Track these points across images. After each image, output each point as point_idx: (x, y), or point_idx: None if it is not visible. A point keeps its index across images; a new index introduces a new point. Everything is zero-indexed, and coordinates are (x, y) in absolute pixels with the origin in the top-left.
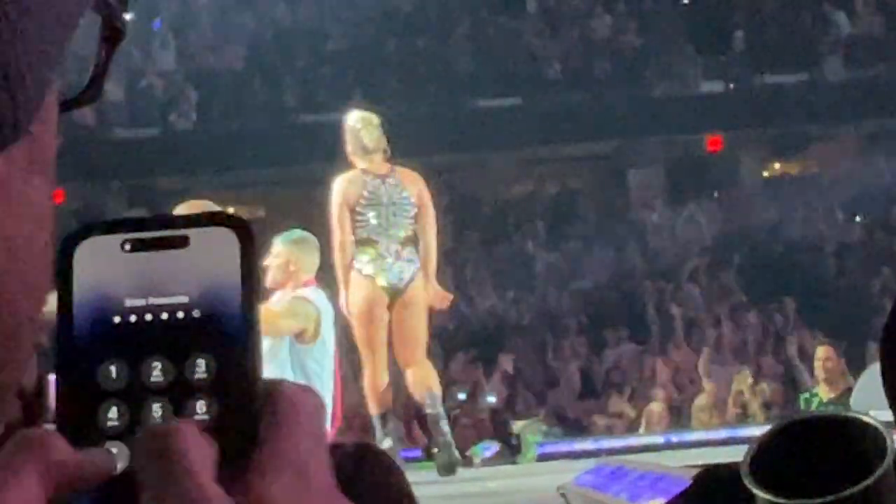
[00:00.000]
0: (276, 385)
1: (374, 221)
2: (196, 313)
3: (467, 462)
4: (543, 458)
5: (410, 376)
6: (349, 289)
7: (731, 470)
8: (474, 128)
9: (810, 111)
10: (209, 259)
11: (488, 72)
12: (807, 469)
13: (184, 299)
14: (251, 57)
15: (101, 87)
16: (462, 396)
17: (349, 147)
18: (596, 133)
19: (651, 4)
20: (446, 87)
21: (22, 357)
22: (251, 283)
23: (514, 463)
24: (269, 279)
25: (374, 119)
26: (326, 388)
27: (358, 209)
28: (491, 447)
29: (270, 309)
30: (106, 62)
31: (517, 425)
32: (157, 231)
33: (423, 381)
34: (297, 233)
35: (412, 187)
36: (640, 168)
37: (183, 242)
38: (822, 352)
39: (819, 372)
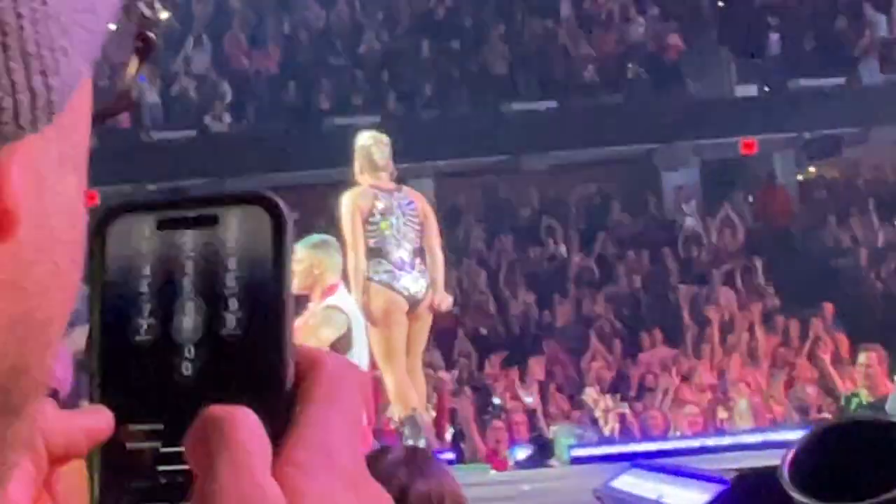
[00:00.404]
0: (318, 359)
1: (387, 232)
2: (228, 291)
3: (500, 465)
4: (577, 461)
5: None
6: (369, 298)
7: (769, 473)
8: (509, 131)
9: (846, 114)
10: (240, 237)
11: (523, 75)
12: (844, 473)
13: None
14: (285, 60)
15: (132, 99)
16: (497, 401)
17: (357, 164)
18: (630, 136)
19: (686, 7)
20: (481, 90)
21: (52, 353)
22: (283, 261)
23: (547, 465)
24: (295, 284)
25: (385, 139)
26: None
27: (371, 219)
28: (524, 449)
29: (307, 323)
30: (136, 73)
31: (550, 428)
32: (188, 210)
33: (414, 396)
34: (318, 237)
35: (417, 201)
36: (675, 171)
37: (213, 221)
38: (864, 357)
39: (861, 378)
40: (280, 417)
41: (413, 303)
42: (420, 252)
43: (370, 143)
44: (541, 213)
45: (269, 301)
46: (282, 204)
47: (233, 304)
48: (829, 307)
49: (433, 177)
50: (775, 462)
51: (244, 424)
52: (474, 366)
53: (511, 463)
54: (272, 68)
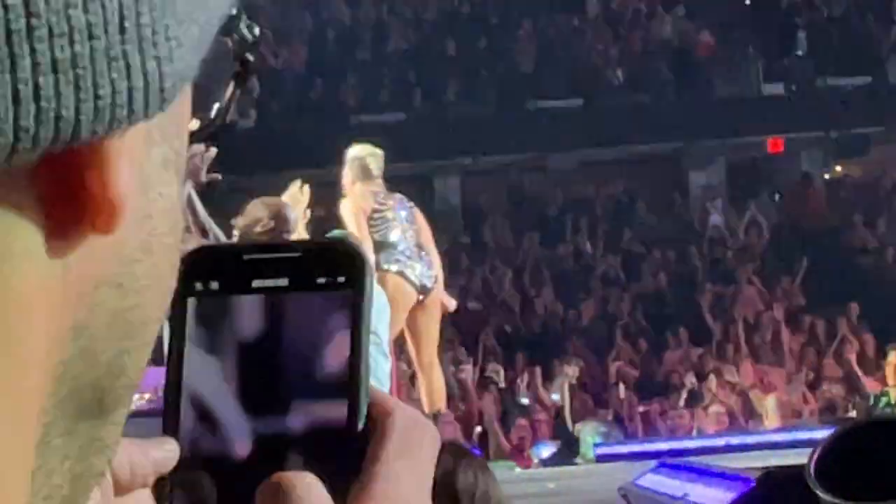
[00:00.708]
0: (390, 410)
1: (393, 226)
2: (306, 340)
3: (525, 463)
4: (602, 459)
5: (423, 385)
6: (384, 288)
7: (794, 472)
8: (535, 129)
9: (872, 113)
10: (319, 285)
11: (549, 73)
12: (869, 472)
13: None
14: (312, 57)
15: (225, 123)
16: (525, 401)
17: (350, 174)
18: (657, 135)
19: (713, 6)
20: (507, 88)
21: (145, 358)
22: (361, 309)
23: (572, 463)
24: None
25: (380, 152)
26: (381, 386)
27: (374, 215)
28: (549, 447)
29: None
30: (233, 96)
31: (576, 426)
32: (270, 259)
33: (434, 395)
34: (338, 232)
35: (411, 206)
36: (701, 170)
37: (293, 269)
38: (893, 357)
39: (890, 377)
40: (349, 462)
41: (423, 292)
42: (421, 246)
43: (366, 154)
44: (567, 212)
45: (345, 347)
46: (361, 250)
47: (312, 351)
48: (854, 307)
49: (459, 175)
50: (801, 461)
51: (311, 492)
52: (500, 364)
53: (536, 461)
54: (299, 66)
